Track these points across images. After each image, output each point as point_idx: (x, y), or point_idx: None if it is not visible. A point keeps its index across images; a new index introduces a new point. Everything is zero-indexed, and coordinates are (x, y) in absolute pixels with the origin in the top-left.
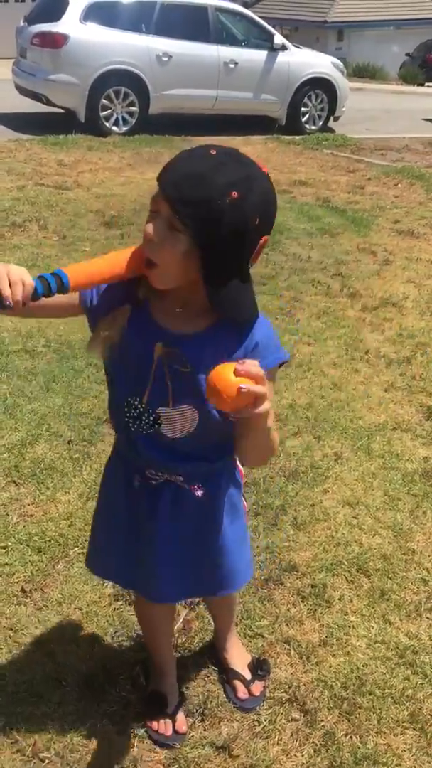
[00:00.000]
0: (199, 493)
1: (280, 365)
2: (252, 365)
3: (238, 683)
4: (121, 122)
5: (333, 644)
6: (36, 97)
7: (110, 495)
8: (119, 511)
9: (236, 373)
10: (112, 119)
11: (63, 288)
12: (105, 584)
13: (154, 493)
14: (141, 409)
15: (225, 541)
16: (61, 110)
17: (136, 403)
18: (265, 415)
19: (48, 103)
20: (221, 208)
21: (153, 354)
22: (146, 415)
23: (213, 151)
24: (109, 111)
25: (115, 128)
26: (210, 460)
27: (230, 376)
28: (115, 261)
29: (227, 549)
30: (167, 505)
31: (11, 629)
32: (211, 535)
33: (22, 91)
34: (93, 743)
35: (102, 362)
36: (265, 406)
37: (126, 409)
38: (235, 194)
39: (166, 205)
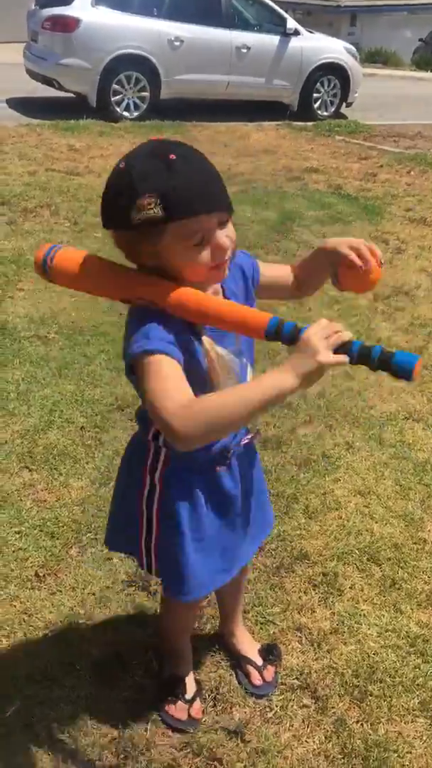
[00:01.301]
0: (259, 436)
1: None
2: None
3: (251, 669)
4: (132, 107)
5: (344, 632)
6: (47, 81)
7: (194, 513)
8: (210, 518)
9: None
10: (123, 104)
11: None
12: (118, 570)
13: (230, 466)
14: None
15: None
16: (72, 95)
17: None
18: None
19: (59, 87)
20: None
21: (206, 354)
22: None
23: (172, 156)
24: (120, 96)
25: (126, 113)
26: None
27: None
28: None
29: (264, 488)
30: (237, 468)
31: (25, 613)
32: (259, 470)
33: (33, 75)
34: (106, 727)
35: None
36: None
37: None
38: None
39: (213, 217)
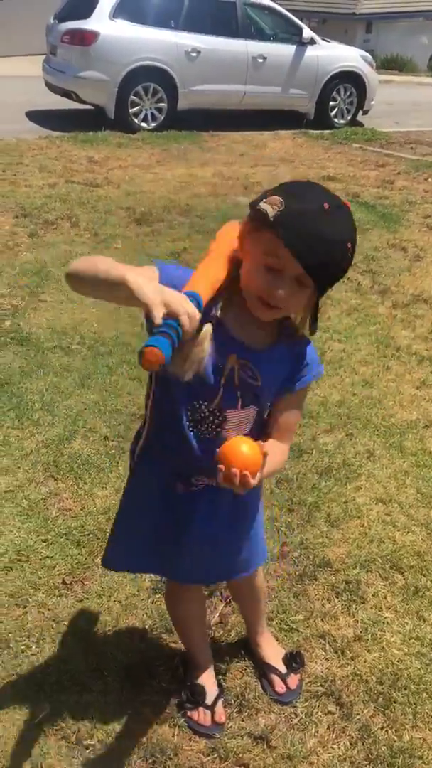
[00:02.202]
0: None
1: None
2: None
3: (274, 677)
4: (149, 118)
5: (368, 639)
6: (66, 94)
7: (140, 500)
8: (151, 514)
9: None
10: (141, 115)
11: (199, 308)
12: (143, 578)
13: (195, 496)
14: (207, 413)
15: (254, 527)
16: (90, 107)
17: (203, 407)
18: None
19: (78, 100)
20: (345, 262)
21: (226, 364)
22: (212, 417)
23: (326, 205)
24: (138, 107)
25: (143, 124)
26: None
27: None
28: (213, 272)
29: (254, 532)
30: (206, 505)
31: (54, 620)
32: (244, 524)
33: (53, 88)
34: (134, 732)
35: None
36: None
37: (189, 413)
38: (349, 245)
39: (299, 267)
